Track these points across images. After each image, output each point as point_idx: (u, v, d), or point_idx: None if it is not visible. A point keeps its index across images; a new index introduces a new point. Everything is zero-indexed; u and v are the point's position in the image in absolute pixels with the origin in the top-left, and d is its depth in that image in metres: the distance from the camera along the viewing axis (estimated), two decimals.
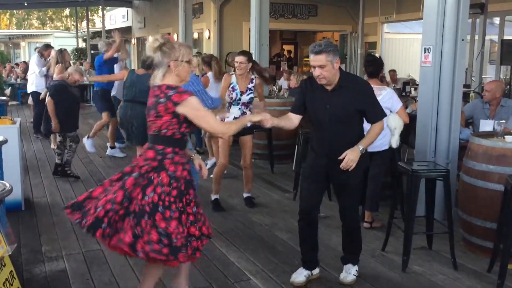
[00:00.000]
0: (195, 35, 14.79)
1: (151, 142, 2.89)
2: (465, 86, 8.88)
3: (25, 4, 20.35)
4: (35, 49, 11.28)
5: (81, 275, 3.78)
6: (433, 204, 4.18)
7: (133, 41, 22.19)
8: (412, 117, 4.97)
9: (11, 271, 3.08)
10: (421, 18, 4.93)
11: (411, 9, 12.42)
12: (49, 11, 35.14)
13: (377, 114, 3.44)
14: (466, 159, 4.18)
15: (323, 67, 3.24)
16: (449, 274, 3.79)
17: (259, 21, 8.05)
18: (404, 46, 16.49)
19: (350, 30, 15.48)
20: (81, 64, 16.64)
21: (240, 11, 13.39)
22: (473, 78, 11.58)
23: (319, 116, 3.43)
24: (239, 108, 5.16)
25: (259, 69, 5.34)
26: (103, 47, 8.01)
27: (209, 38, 14.33)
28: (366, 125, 3.47)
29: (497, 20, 12.49)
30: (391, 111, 4.63)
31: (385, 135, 4.65)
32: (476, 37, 11.49)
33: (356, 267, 3.69)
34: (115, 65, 8.15)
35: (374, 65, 4.70)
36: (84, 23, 24.31)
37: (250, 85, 5.22)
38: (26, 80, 11.32)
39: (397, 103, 4.63)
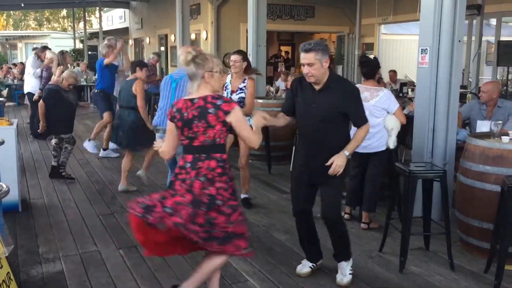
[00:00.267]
0: (193, 36, 14.78)
1: (203, 151, 2.92)
2: (462, 87, 8.92)
3: (22, 5, 20.34)
4: (33, 50, 11.26)
5: (78, 276, 3.78)
6: (430, 205, 4.19)
7: (131, 42, 22.17)
8: (409, 118, 4.98)
9: (8, 272, 3.07)
10: (418, 19, 4.94)
11: (408, 10, 12.45)
12: (46, 12, 35.10)
13: (360, 118, 3.48)
14: (463, 160, 4.19)
15: (312, 65, 3.32)
16: (446, 275, 3.80)
17: (256, 22, 8.05)
18: (401, 47, 16.53)
19: (347, 31, 15.51)
20: (78, 65, 16.63)
21: (237, 12, 13.40)
22: (470, 79, 11.63)
23: (305, 115, 3.50)
24: None
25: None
26: (103, 49, 7.92)
27: (206, 39, 14.33)
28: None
29: (493, 21, 12.54)
30: (388, 112, 4.64)
31: (382, 136, 4.67)
32: (473, 38, 11.54)
33: (350, 264, 3.66)
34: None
35: (368, 66, 4.72)
36: (81, 24, 24.26)
37: (242, 85, 5.23)
38: (23, 81, 11.31)
39: (394, 104, 4.64)
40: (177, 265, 3.96)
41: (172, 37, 16.09)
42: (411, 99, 8.86)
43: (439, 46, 4.65)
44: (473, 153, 4.06)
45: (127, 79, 6.28)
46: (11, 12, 32.77)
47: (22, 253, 4.18)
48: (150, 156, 6.09)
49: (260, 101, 7.54)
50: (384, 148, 4.68)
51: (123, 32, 23.29)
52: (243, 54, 5.36)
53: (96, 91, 7.95)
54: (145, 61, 12.82)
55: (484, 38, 11.70)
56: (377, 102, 4.59)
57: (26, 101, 10.45)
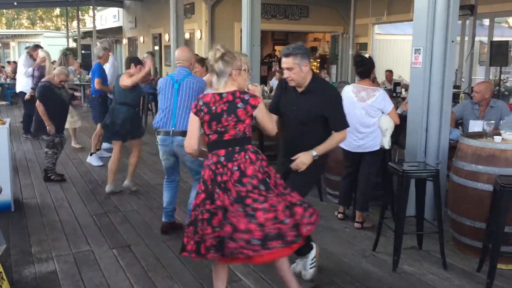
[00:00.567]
0: (187, 36, 14.76)
1: (236, 144, 2.95)
2: (455, 87, 8.97)
3: (15, 4, 20.20)
4: (25, 49, 11.19)
5: (71, 276, 3.76)
6: (423, 204, 4.21)
7: (124, 41, 22.10)
8: (403, 118, 5.00)
9: (0, 272, 3.06)
10: (412, 20, 4.96)
11: (402, 10, 12.50)
12: (39, 10, 34.92)
13: (340, 123, 3.50)
14: (455, 159, 4.22)
15: (291, 70, 3.36)
16: (439, 274, 3.82)
17: (250, 22, 8.04)
18: (395, 47, 16.59)
19: (341, 31, 15.55)
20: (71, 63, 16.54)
21: (231, 11, 13.39)
22: (462, 79, 11.68)
23: (286, 116, 3.54)
24: None
25: None
26: (100, 52, 7.60)
27: (200, 38, 14.32)
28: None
29: (486, 22, 12.62)
30: (383, 112, 4.66)
31: (376, 136, 4.68)
32: (466, 38, 11.60)
33: (311, 255, 3.58)
34: (108, 65, 8.08)
35: (364, 65, 4.72)
36: (74, 23, 24.16)
37: None
38: (16, 80, 11.23)
39: (389, 105, 4.66)
40: (171, 265, 3.96)
41: (166, 37, 16.05)
42: (403, 99, 8.90)
43: (433, 46, 4.67)
44: (465, 153, 4.08)
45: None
46: (4, 10, 32.55)
47: (15, 253, 4.16)
48: (136, 160, 6.06)
49: None
50: (378, 148, 4.70)
51: (116, 31, 23.23)
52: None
53: (93, 96, 7.65)
54: None
55: (477, 38, 11.77)
56: (374, 102, 4.61)
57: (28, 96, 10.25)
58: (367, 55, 5.40)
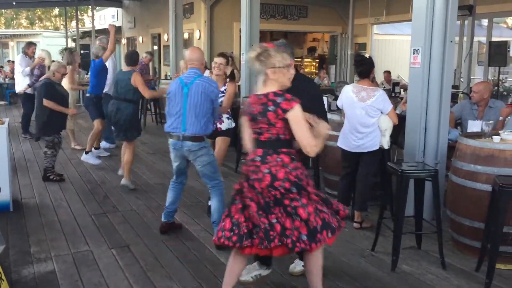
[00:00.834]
0: (186, 36, 14.75)
1: (270, 147, 2.98)
2: (454, 87, 8.96)
3: (14, 3, 20.16)
4: (22, 48, 11.15)
5: (70, 276, 3.76)
6: (422, 204, 4.21)
7: (123, 41, 22.09)
8: (402, 118, 5.01)
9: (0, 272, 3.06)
10: (410, 20, 4.97)
11: (400, 10, 12.51)
12: (38, 10, 34.82)
13: (323, 117, 3.47)
14: (454, 159, 4.22)
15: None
16: (438, 274, 3.82)
17: (249, 22, 8.05)
18: (394, 47, 16.61)
19: (340, 31, 15.56)
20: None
21: (230, 11, 13.40)
22: (461, 79, 11.70)
23: None
24: None
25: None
26: (99, 51, 7.61)
27: (199, 38, 14.32)
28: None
29: (485, 22, 12.64)
30: (382, 113, 4.66)
31: (375, 136, 4.68)
32: (465, 38, 11.61)
33: (261, 271, 3.65)
34: (108, 62, 8.07)
35: (364, 65, 4.73)
36: (73, 23, 24.10)
37: (223, 88, 5.23)
38: (14, 80, 11.21)
39: (389, 105, 4.67)
40: (170, 265, 3.96)
41: (165, 36, 16.05)
42: (402, 99, 8.91)
43: (431, 46, 4.68)
44: (464, 153, 4.08)
45: (123, 69, 6.14)
46: (3, 10, 32.47)
47: (14, 253, 4.16)
48: (130, 158, 6.06)
49: None
50: (377, 148, 4.70)
51: (116, 31, 23.18)
52: (228, 58, 5.33)
53: (88, 95, 7.66)
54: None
55: (475, 39, 11.79)
56: (374, 102, 4.61)
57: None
58: (367, 55, 5.40)
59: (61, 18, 31.55)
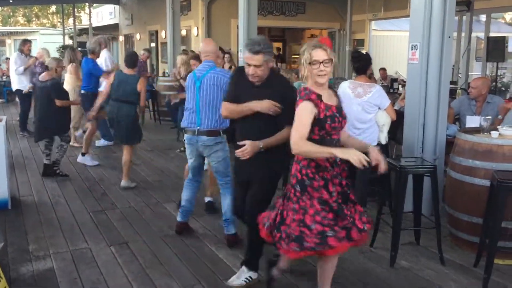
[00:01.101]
0: (183, 32, 14.72)
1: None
2: (452, 82, 8.97)
3: (11, 1, 20.11)
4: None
5: (68, 273, 3.76)
6: (420, 199, 4.22)
7: (121, 38, 22.03)
8: (400, 114, 5.01)
9: None
10: (408, 16, 4.96)
11: (398, 6, 12.50)
12: (35, 8, 34.74)
13: (288, 119, 3.28)
14: (452, 154, 4.22)
15: (259, 67, 3.27)
16: (436, 269, 3.83)
17: (247, 18, 8.03)
18: (392, 44, 16.60)
19: (338, 27, 15.53)
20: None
21: (228, 8, 13.36)
22: (459, 75, 11.69)
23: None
24: None
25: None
26: (96, 46, 7.54)
27: (197, 35, 14.28)
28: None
29: (483, 17, 12.63)
30: (379, 108, 4.66)
31: (373, 131, 4.68)
32: (463, 34, 11.60)
33: (250, 274, 3.54)
34: (105, 59, 8.04)
35: (360, 61, 4.72)
36: (70, 20, 24.05)
37: None
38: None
39: (386, 101, 4.67)
40: (168, 262, 3.96)
41: (162, 33, 16.01)
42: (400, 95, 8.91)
43: (429, 42, 4.67)
44: (462, 148, 4.08)
45: (125, 72, 6.06)
46: None
47: (12, 251, 4.15)
48: (129, 160, 6.04)
49: None
50: (375, 144, 4.70)
51: (113, 28, 23.14)
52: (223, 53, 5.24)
53: (83, 92, 7.58)
54: None
55: (473, 34, 11.78)
56: (370, 98, 4.61)
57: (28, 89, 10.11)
58: (364, 52, 5.40)
59: (58, 15, 31.50)
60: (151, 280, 3.65)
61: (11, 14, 35.82)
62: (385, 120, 4.64)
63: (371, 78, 7.78)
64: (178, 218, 4.54)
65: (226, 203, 4.22)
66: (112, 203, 5.50)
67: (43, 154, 6.62)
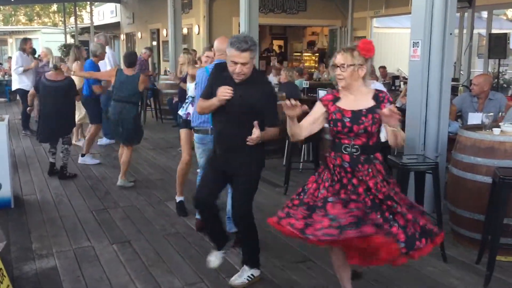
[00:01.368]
0: (185, 31, 14.72)
1: None
2: (454, 79, 8.96)
3: (12, 0, 20.13)
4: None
5: (71, 272, 3.77)
6: (422, 196, 4.21)
7: (122, 37, 22.05)
8: (401, 111, 4.99)
9: (1, 269, 3.07)
10: (410, 13, 4.95)
11: (400, 3, 12.47)
12: (36, 7, 34.76)
13: (273, 117, 3.40)
14: (454, 151, 4.22)
15: (245, 65, 3.23)
16: (438, 266, 3.83)
17: (248, 16, 8.03)
18: (393, 41, 16.56)
19: (340, 25, 15.51)
20: (68, 60, 16.49)
21: (229, 6, 13.35)
22: (461, 72, 11.67)
23: (222, 106, 3.34)
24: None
25: None
26: (98, 49, 7.47)
27: (198, 33, 14.28)
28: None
29: (485, 14, 12.59)
30: None
31: None
32: (464, 31, 11.58)
33: (252, 271, 3.56)
34: (107, 57, 8.02)
35: None
36: (72, 19, 24.06)
37: None
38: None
39: None
40: (171, 260, 3.97)
41: (164, 32, 16.02)
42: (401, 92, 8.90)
43: (431, 39, 4.66)
44: (464, 145, 4.08)
45: (125, 72, 6.00)
46: (1, 7, 32.43)
47: (15, 250, 4.17)
48: (128, 159, 6.05)
49: None
50: None
51: (114, 27, 23.16)
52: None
53: (86, 97, 7.44)
54: (138, 56, 12.72)
55: (475, 31, 11.75)
56: None
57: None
58: None
59: (60, 14, 31.49)
60: (154, 278, 3.67)
61: (13, 13, 35.86)
62: None
63: (372, 75, 7.77)
64: (198, 216, 4.53)
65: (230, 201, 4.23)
66: (114, 201, 5.51)
67: (49, 153, 6.61)
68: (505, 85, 12.61)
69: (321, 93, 7.14)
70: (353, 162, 2.91)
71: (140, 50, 13.59)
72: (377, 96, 2.95)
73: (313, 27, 18.16)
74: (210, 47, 4.89)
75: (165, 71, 14.10)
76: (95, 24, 22.02)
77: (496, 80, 10.06)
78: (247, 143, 3.25)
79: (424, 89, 4.76)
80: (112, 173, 6.68)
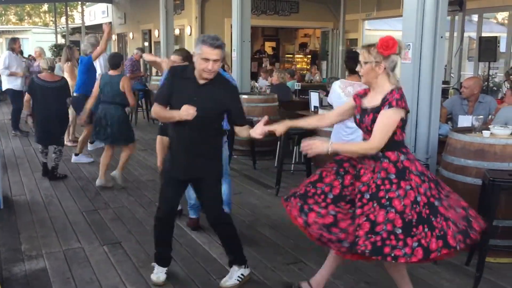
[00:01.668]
0: (177, 32, 14.69)
1: None
2: (444, 82, 9.01)
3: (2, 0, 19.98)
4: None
5: (61, 273, 3.74)
6: None
7: (114, 37, 21.94)
8: None
9: None
10: (401, 15, 4.98)
11: (391, 6, 12.53)
12: (27, 6, 34.53)
13: (242, 116, 3.44)
14: (445, 154, 4.25)
15: (217, 62, 3.22)
16: (428, 268, 3.85)
17: (240, 18, 8.04)
18: None
19: (332, 27, 15.56)
20: (60, 60, 16.39)
21: (221, 7, 13.35)
22: (452, 75, 11.75)
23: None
24: None
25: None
26: (88, 48, 7.45)
27: (190, 34, 14.26)
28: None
29: (475, 17, 12.69)
30: None
31: None
32: (455, 34, 11.65)
33: (242, 271, 3.57)
34: (98, 61, 7.97)
35: (357, 61, 4.72)
36: (63, 19, 23.93)
37: None
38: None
39: None
40: None
41: (156, 33, 15.97)
42: None
43: (422, 42, 4.69)
44: (454, 147, 4.11)
45: (109, 73, 6.03)
46: None
47: (4, 251, 4.13)
48: (127, 156, 6.03)
49: (245, 96, 7.54)
50: None
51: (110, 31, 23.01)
52: (184, 54, 4.93)
53: (76, 95, 7.35)
54: (129, 56, 12.69)
55: (466, 34, 11.82)
56: None
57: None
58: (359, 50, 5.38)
59: (51, 14, 31.33)
60: (144, 279, 3.65)
61: (3, 12, 35.61)
62: None
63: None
64: (192, 215, 4.63)
65: (223, 188, 4.33)
66: (105, 202, 5.49)
67: (42, 154, 6.54)
68: (495, 88, 12.70)
69: (313, 95, 7.16)
70: (362, 157, 2.97)
71: (132, 51, 13.54)
72: (385, 96, 2.93)
73: (305, 29, 18.19)
74: (180, 51, 4.95)
75: (157, 72, 14.07)
76: (86, 24, 21.91)
77: (486, 83, 10.14)
78: (258, 136, 3.23)
79: (415, 91, 4.78)
80: None
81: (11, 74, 9.39)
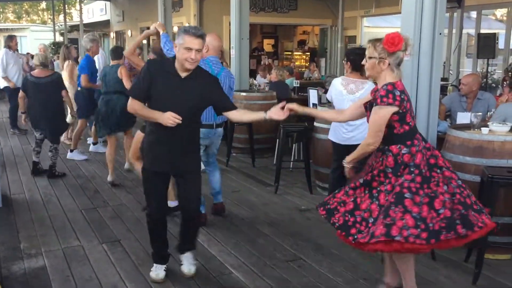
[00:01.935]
0: (175, 29, 14.65)
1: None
2: (443, 79, 9.01)
3: None
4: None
5: (61, 271, 3.75)
6: None
7: (112, 35, 21.91)
8: None
9: None
10: (400, 12, 4.97)
11: (390, 3, 12.52)
12: (25, 4, 34.44)
13: (230, 102, 3.52)
14: (443, 151, 4.25)
15: (199, 51, 3.21)
16: (427, 264, 3.86)
17: (239, 15, 8.02)
18: None
19: (330, 24, 15.55)
20: (58, 58, 16.35)
21: (220, 4, 13.34)
22: (450, 72, 11.75)
23: (168, 103, 3.24)
24: None
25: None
26: (87, 44, 7.39)
27: None
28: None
29: (474, 14, 12.67)
30: None
31: (365, 128, 4.67)
32: (454, 31, 11.66)
33: (193, 253, 3.71)
34: (98, 57, 7.96)
35: (362, 59, 4.70)
36: (61, 17, 23.86)
37: None
38: None
39: None
40: None
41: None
42: None
43: (420, 38, 4.68)
44: (453, 144, 4.11)
45: (110, 64, 6.17)
46: None
47: (4, 249, 4.13)
48: (131, 142, 6.03)
49: (244, 94, 7.54)
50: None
51: (104, 25, 23.02)
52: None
53: (79, 89, 7.46)
54: None
55: (464, 31, 11.83)
56: (363, 94, 4.60)
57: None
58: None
59: (49, 12, 31.24)
60: (144, 277, 3.65)
61: (1, 10, 35.52)
62: None
63: (362, 75, 7.80)
64: (215, 200, 4.92)
65: (216, 178, 4.82)
66: (104, 200, 5.48)
67: (34, 152, 6.53)
68: (493, 85, 12.71)
69: (312, 92, 7.15)
70: (377, 149, 3.07)
71: None
72: (375, 93, 3.01)
73: (304, 26, 18.18)
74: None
75: None
76: (85, 22, 21.86)
77: (484, 80, 10.14)
78: (276, 117, 3.29)
79: (414, 88, 4.77)
80: (101, 172, 6.64)
81: (3, 77, 9.33)
